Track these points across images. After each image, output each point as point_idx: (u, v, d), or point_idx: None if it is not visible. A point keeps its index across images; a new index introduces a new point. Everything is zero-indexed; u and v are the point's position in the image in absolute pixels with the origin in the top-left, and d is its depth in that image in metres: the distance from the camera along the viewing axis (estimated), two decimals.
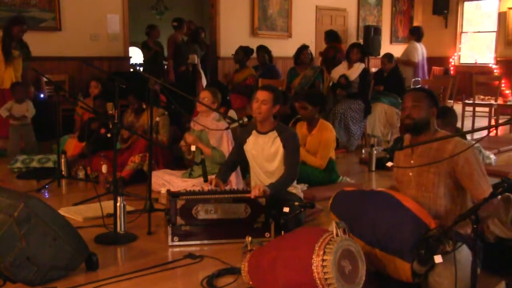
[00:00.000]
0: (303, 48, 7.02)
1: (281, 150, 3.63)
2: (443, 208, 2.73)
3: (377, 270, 2.65)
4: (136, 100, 5.13)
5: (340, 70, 6.95)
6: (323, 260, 2.28)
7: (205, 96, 4.54)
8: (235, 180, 4.40)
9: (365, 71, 6.72)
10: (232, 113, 5.43)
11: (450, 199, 2.74)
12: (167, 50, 7.91)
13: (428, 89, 3.09)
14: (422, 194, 2.77)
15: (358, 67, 6.69)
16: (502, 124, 2.96)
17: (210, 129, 4.36)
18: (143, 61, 8.26)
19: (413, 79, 9.43)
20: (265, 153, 3.69)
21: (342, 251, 2.34)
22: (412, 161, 2.82)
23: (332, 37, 8.16)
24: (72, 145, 5.57)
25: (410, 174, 2.84)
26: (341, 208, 2.92)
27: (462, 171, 2.65)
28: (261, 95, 3.63)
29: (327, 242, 2.34)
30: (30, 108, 5.95)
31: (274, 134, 3.67)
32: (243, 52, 7.51)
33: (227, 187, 4.19)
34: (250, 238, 2.84)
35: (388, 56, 7.34)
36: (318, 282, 2.28)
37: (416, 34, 8.36)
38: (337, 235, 2.37)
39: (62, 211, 3.77)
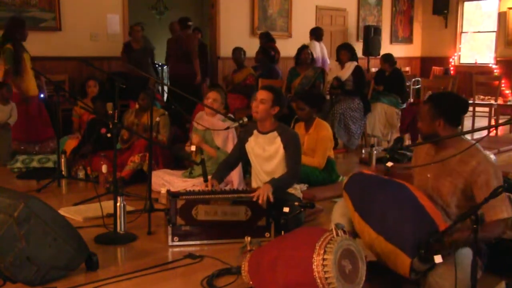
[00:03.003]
0: (303, 48, 7.02)
1: (281, 151, 3.63)
2: (452, 217, 2.69)
3: (376, 257, 2.64)
4: (147, 96, 5.09)
5: (333, 72, 7.00)
6: (323, 259, 2.28)
7: (214, 97, 4.51)
8: (237, 180, 4.40)
9: (358, 68, 6.74)
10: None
11: (460, 210, 2.68)
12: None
13: (435, 96, 2.95)
14: (435, 199, 2.73)
15: (350, 66, 6.72)
16: (502, 124, 2.94)
17: (213, 129, 4.36)
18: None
19: (414, 79, 9.44)
20: (266, 153, 3.69)
21: (343, 251, 2.34)
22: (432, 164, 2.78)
23: (267, 38, 8.33)
24: (71, 145, 5.57)
25: (428, 175, 2.80)
26: (354, 189, 2.86)
27: (480, 191, 2.57)
28: (261, 94, 3.64)
29: (328, 242, 2.34)
30: (14, 113, 5.71)
31: (274, 134, 3.67)
32: (243, 53, 7.54)
33: (228, 187, 4.20)
34: (249, 238, 2.84)
35: (387, 58, 7.32)
36: (319, 281, 2.28)
37: (315, 34, 8.65)
38: (337, 234, 2.37)
39: (62, 211, 3.77)
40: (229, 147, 4.46)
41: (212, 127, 4.35)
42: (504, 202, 2.52)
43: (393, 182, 2.78)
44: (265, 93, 3.64)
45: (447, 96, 2.84)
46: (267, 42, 8.20)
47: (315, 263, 2.29)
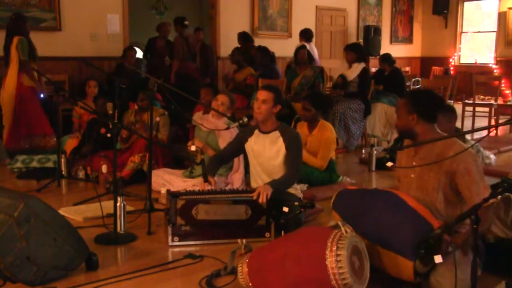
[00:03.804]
0: (300, 48, 7.03)
1: (283, 151, 3.63)
2: (442, 212, 2.71)
3: (377, 268, 2.64)
4: (147, 96, 5.07)
5: (339, 70, 7.01)
6: (337, 255, 2.30)
7: (223, 100, 4.51)
8: (238, 182, 4.39)
9: (365, 71, 6.73)
10: None
11: (450, 204, 2.72)
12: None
13: (411, 92, 3.06)
14: (423, 197, 2.76)
15: (357, 67, 6.71)
16: (502, 124, 2.95)
17: (217, 129, 4.36)
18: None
19: (414, 79, 9.44)
20: (267, 153, 3.69)
21: (353, 247, 2.37)
22: (414, 163, 2.81)
23: (246, 38, 8.35)
24: (71, 145, 5.57)
25: (412, 175, 2.83)
26: (344, 206, 2.92)
27: (462, 180, 2.62)
28: (262, 94, 3.64)
29: (339, 238, 2.36)
30: None
31: (276, 134, 3.67)
32: (239, 53, 7.54)
33: (228, 187, 4.20)
34: (244, 241, 2.80)
35: (386, 58, 7.36)
36: (332, 277, 2.28)
37: (305, 36, 8.67)
38: (346, 231, 2.39)
39: (62, 211, 3.77)
40: None
41: (216, 129, 4.36)
42: (486, 189, 2.57)
43: (380, 191, 2.86)
44: (266, 93, 3.64)
45: (422, 93, 2.98)
46: (246, 43, 8.21)
47: (328, 259, 2.30)
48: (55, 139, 5.81)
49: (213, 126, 4.42)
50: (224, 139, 4.46)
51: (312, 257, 2.36)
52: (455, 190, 2.68)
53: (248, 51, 7.90)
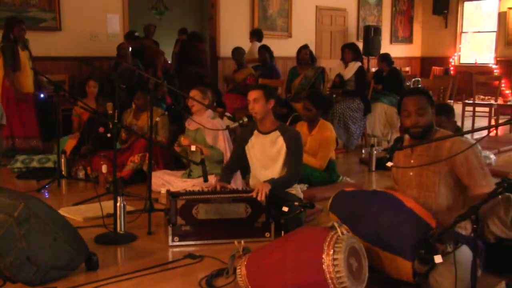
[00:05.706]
0: (303, 48, 7.04)
1: (284, 150, 3.63)
2: (445, 207, 2.72)
3: (377, 269, 2.64)
4: (144, 96, 5.08)
5: (336, 70, 7.03)
6: (334, 259, 2.29)
7: (193, 94, 4.53)
8: (236, 180, 4.39)
9: (361, 69, 6.76)
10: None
11: (452, 197, 2.73)
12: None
13: (423, 88, 3.06)
14: (424, 193, 2.76)
15: (353, 66, 6.74)
16: (502, 124, 2.95)
17: (206, 128, 4.35)
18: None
19: (414, 79, 9.44)
20: (268, 153, 3.68)
21: (350, 249, 2.36)
22: (412, 161, 2.81)
23: (195, 38, 8.31)
24: (71, 145, 5.57)
25: (411, 174, 2.83)
26: (341, 208, 2.92)
27: (462, 169, 2.63)
28: (251, 94, 3.66)
29: (335, 241, 2.35)
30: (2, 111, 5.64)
31: (276, 133, 3.67)
32: (240, 53, 7.54)
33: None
34: (242, 244, 2.79)
35: (384, 58, 7.38)
36: (330, 281, 2.28)
37: (256, 35, 8.71)
38: (342, 233, 2.38)
39: (62, 211, 3.77)
40: (220, 144, 4.48)
41: (204, 126, 4.35)
42: (486, 178, 2.61)
43: (377, 192, 2.85)
44: (254, 92, 3.66)
45: (423, 88, 2.99)
46: (193, 41, 8.17)
47: (325, 264, 2.29)
48: (34, 142, 5.85)
49: (198, 121, 4.43)
50: (209, 134, 4.46)
51: (310, 262, 2.35)
52: (457, 180, 2.69)
53: (191, 50, 7.90)
